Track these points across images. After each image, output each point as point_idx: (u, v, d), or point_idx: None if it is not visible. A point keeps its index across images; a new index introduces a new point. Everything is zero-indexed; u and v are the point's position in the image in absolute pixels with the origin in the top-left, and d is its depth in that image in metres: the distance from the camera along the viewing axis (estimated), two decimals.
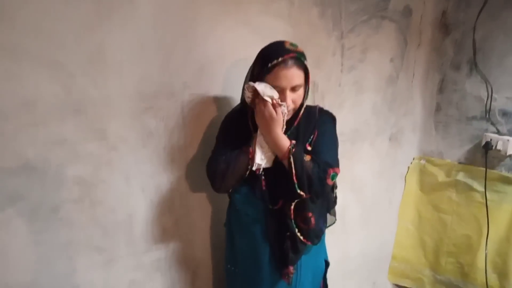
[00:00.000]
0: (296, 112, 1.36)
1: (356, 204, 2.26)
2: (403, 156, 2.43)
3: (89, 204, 1.40)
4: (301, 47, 1.61)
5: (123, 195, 1.47)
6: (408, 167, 2.46)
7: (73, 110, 1.30)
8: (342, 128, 2.08)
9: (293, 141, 1.30)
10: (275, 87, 1.25)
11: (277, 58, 1.22)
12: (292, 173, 1.25)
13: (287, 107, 1.28)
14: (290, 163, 1.26)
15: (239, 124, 1.41)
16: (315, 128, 1.40)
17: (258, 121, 1.31)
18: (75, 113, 1.31)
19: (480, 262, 2.17)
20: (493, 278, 2.16)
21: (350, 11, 1.93)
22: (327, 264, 1.61)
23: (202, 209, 1.69)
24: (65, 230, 1.36)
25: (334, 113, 1.99)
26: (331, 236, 2.16)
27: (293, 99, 1.28)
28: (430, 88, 2.36)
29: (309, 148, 1.38)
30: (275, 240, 1.39)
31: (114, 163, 1.42)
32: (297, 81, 1.26)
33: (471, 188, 2.18)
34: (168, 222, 1.60)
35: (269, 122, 1.27)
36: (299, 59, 1.27)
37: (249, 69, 1.37)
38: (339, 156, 2.07)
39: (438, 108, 2.35)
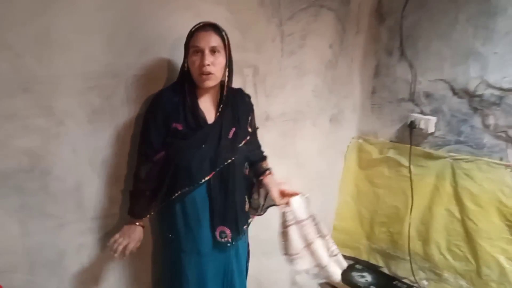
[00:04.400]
0: (222, 85, 1.61)
1: (298, 178, 2.44)
2: (344, 135, 2.65)
3: (39, 174, 1.52)
4: (242, 32, 1.78)
5: (71, 167, 1.59)
6: (348, 146, 2.68)
7: (21, 88, 1.41)
8: (284, 108, 2.27)
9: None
10: (195, 47, 1.49)
11: (199, 24, 1.52)
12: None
13: (206, 67, 1.48)
14: None
15: (172, 100, 1.56)
16: (249, 111, 1.71)
17: None
18: (24, 91, 1.41)
19: (407, 230, 2.42)
20: (417, 245, 2.41)
21: (289, 0, 2.09)
22: None
23: None
24: (17, 196, 1.48)
25: (276, 94, 2.22)
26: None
27: (212, 62, 1.49)
28: (367, 72, 2.57)
29: (250, 130, 1.71)
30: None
31: (62, 137, 1.54)
32: (215, 43, 1.49)
33: (400, 164, 2.42)
34: (115, 193, 1.73)
35: None
36: (217, 27, 1.53)
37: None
38: (282, 134, 2.26)
39: (374, 91, 2.57)
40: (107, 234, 1.74)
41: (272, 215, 2.37)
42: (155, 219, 1.78)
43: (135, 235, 1.59)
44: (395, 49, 2.41)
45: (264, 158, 1.83)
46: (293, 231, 1.56)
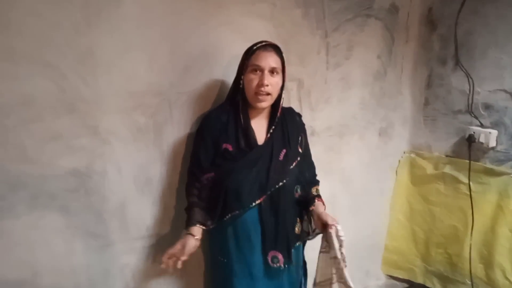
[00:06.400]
0: (277, 103, 1.57)
1: (345, 195, 2.35)
2: (393, 149, 2.51)
3: (84, 193, 1.52)
4: (285, 45, 1.75)
5: (116, 186, 1.59)
6: (399, 160, 2.54)
7: (67, 108, 1.43)
8: (329, 123, 2.19)
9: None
10: (255, 65, 1.46)
11: (260, 43, 1.50)
12: None
13: (265, 87, 1.45)
14: None
15: (221, 120, 1.54)
16: (299, 131, 1.66)
17: None
18: (69, 111, 1.43)
19: (467, 252, 2.24)
20: (479, 268, 2.22)
21: (334, 11, 2.02)
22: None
23: None
24: (63, 216, 1.49)
25: (321, 108, 2.16)
26: None
27: (270, 83, 1.46)
28: (419, 83, 2.44)
29: (300, 150, 1.65)
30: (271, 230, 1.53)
31: (107, 156, 1.55)
32: (275, 64, 1.48)
33: (457, 180, 2.25)
34: (159, 212, 1.72)
35: None
36: (278, 48, 1.52)
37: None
38: (327, 149, 2.18)
39: (426, 103, 2.42)
40: (150, 254, 1.73)
41: (318, 238, 2.28)
42: (206, 240, 1.74)
43: (188, 247, 1.49)
44: (449, 58, 2.26)
45: (315, 183, 1.75)
46: (322, 259, 1.58)
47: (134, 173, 1.63)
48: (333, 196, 2.30)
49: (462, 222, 2.27)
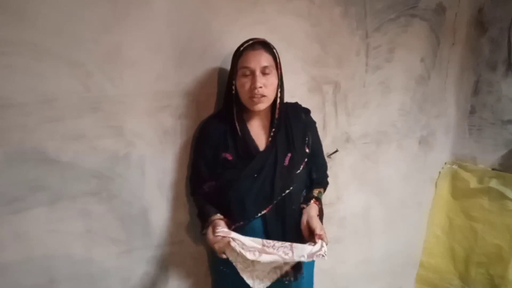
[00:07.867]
0: (273, 104, 1.42)
1: (380, 207, 2.21)
2: (434, 159, 2.35)
3: (106, 197, 1.46)
4: (322, 46, 1.59)
5: (139, 190, 1.52)
6: (440, 172, 2.37)
7: (91, 107, 1.36)
8: (366, 129, 2.05)
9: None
10: (245, 68, 1.34)
11: (247, 43, 1.38)
12: None
13: (258, 89, 1.33)
14: None
15: (219, 129, 1.44)
16: (306, 129, 1.51)
17: None
18: (93, 110, 1.37)
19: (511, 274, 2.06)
20: None
21: (376, 10, 1.88)
22: None
23: None
24: (83, 220, 1.43)
25: (358, 114, 2.01)
26: (351, 237, 2.14)
27: (264, 84, 1.34)
28: (465, 89, 2.26)
29: (307, 151, 1.50)
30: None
31: (131, 159, 1.48)
32: (266, 63, 1.35)
33: (504, 196, 2.07)
34: (183, 218, 1.64)
35: None
36: (267, 44, 1.39)
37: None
38: (363, 157, 2.04)
39: (472, 111, 2.25)
40: (173, 262, 1.65)
41: (350, 248, 2.16)
42: (210, 250, 1.65)
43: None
44: (499, 63, 2.08)
45: (321, 184, 1.59)
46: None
47: (159, 177, 1.55)
48: (367, 208, 2.17)
49: (508, 242, 2.08)
